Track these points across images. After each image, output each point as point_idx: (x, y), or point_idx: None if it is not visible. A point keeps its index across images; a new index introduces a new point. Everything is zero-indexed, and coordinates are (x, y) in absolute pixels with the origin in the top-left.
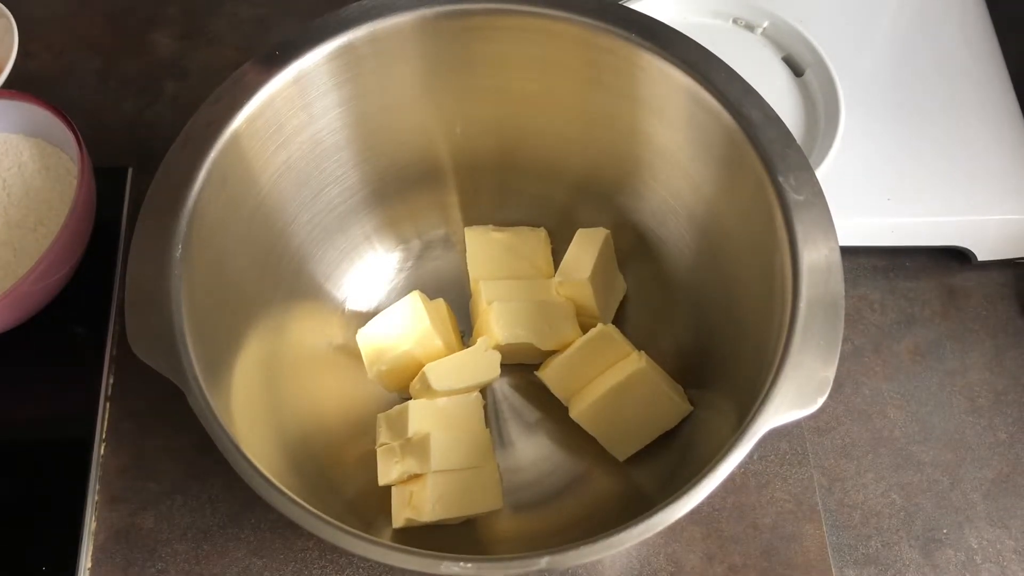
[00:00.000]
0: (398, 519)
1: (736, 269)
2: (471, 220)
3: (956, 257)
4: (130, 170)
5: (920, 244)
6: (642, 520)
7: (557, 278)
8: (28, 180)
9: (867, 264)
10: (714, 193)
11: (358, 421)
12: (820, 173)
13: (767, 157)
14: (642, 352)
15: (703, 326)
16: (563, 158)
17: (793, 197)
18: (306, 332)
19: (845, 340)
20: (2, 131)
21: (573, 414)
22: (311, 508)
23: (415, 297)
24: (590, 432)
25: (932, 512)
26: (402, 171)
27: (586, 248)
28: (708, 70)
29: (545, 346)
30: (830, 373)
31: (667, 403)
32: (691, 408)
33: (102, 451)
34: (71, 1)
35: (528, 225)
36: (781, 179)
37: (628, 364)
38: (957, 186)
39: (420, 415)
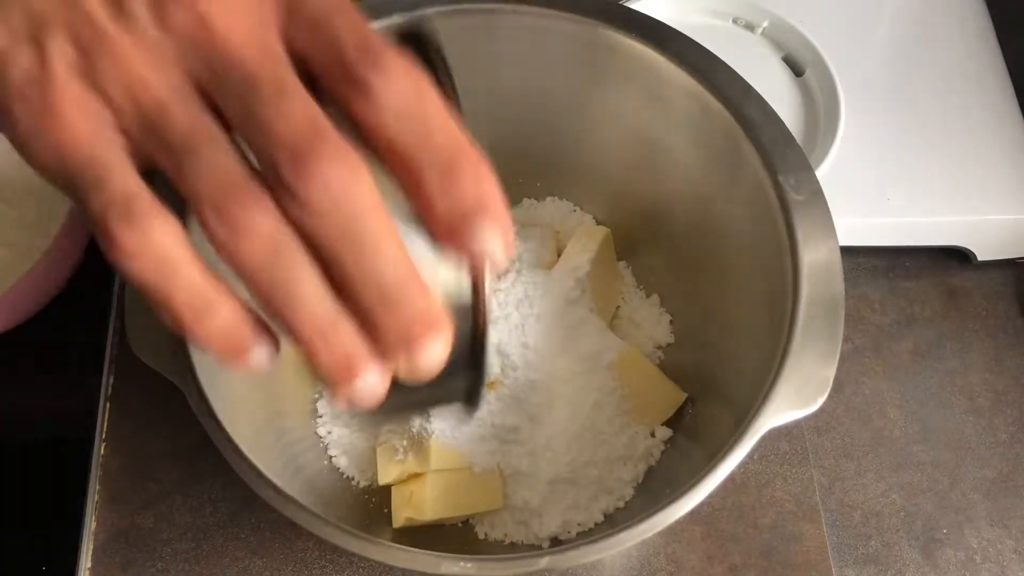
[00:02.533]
0: (398, 519)
1: (736, 269)
2: None
3: (956, 257)
4: None
5: (920, 244)
6: (642, 520)
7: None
8: (28, 180)
9: (867, 264)
10: (714, 193)
11: None
12: (820, 173)
13: (767, 157)
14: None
15: (702, 326)
16: (562, 158)
17: (793, 197)
18: None
19: (845, 340)
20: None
21: None
22: (311, 508)
23: None
24: None
25: (932, 512)
26: None
27: (585, 245)
28: (708, 70)
29: None
30: (830, 373)
31: (659, 389)
32: (684, 395)
33: (102, 451)
34: None
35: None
36: (781, 179)
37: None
38: (957, 186)
39: None
